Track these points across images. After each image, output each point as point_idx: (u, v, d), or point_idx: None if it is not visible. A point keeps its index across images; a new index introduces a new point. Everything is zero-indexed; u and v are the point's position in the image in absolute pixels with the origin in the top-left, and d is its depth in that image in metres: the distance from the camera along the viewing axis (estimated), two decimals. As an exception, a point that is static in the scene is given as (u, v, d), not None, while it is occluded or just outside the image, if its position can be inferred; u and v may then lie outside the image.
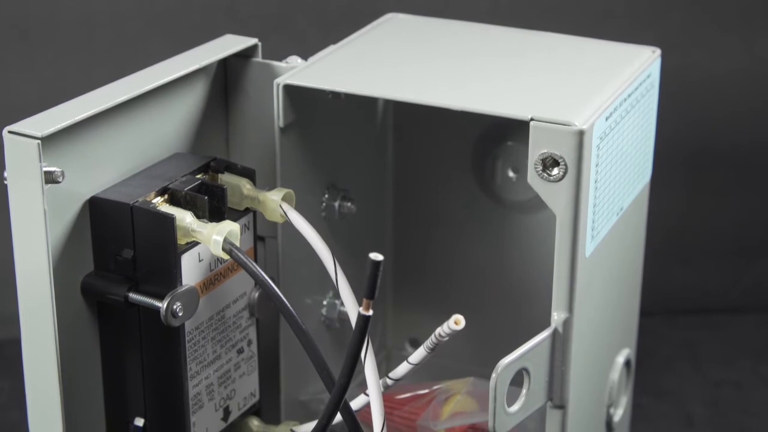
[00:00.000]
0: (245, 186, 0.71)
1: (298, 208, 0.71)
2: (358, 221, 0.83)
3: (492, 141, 0.85)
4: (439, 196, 0.87)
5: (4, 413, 0.90)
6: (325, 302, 0.83)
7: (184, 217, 0.66)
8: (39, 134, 0.61)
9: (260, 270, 0.66)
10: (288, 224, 0.72)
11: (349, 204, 0.81)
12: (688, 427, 0.90)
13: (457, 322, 0.62)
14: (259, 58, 0.76)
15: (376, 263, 0.58)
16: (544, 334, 0.70)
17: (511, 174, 0.85)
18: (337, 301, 0.82)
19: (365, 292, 0.59)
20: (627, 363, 0.83)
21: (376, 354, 0.70)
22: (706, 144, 1.04)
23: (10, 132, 0.62)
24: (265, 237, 0.78)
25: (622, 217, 0.76)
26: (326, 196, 0.81)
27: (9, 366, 0.94)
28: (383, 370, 0.69)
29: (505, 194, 0.86)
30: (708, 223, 1.06)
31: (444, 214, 0.88)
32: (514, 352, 0.67)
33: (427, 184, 0.87)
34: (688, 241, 1.06)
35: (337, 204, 0.81)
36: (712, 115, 1.04)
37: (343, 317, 0.82)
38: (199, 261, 0.68)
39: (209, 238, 0.66)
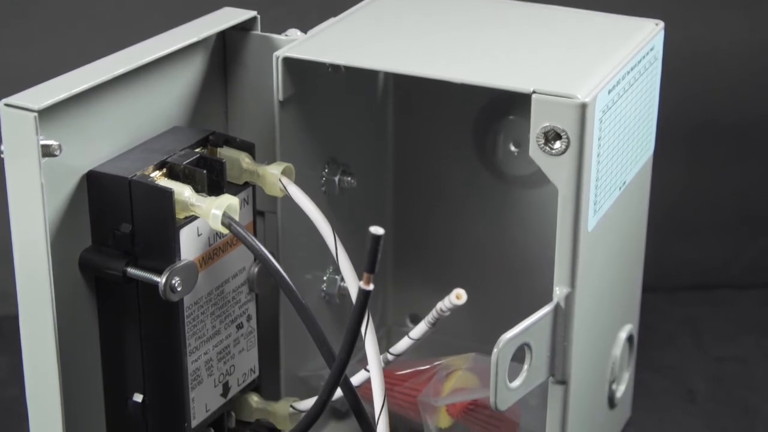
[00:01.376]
0: (244, 160, 0.70)
1: (298, 183, 0.71)
2: (358, 196, 0.83)
3: (493, 115, 0.84)
4: (440, 170, 0.87)
5: (3, 389, 0.90)
6: (325, 278, 0.82)
7: (183, 191, 0.65)
8: (36, 107, 0.61)
9: (259, 244, 0.65)
10: (287, 199, 0.72)
11: (349, 178, 0.80)
12: (691, 402, 0.89)
13: (458, 296, 0.62)
14: (258, 31, 0.76)
15: (377, 237, 0.58)
16: (546, 309, 0.69)
17: (512, 148, 0.84)
18: (337, 277, 0.82)
19: (366, 266, 0.59)
20: (629, 338, 0.82)
21: (377, 330, 0.70)
22: (709, 118, 1.03)
23: (6, 105, 0.62)
24: (265, 212, 0.77)
25: (624, 192, 0.75)
26: (326, 170, 0.80)
27: (7, 342, 0.93)
28: (383, 346, 0.69)
29: (506, 169, 0.85)
30: (710, 198, 1.05)
31: (445, 189, 0.87)
32: (515, 327, 0.67)
33: (428, 158, 0.87)
34: (691, 217, 1.05)
35: (337, 178, 0.80)
36: (714, 89, 1.03)
37: (343, 293, 0.82)
38: (198, 235, 0.68)
39: (208, 212, 0.65)
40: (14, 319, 0.67)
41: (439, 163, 0.87)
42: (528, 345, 0.68)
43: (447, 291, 0.65)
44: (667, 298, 1.02)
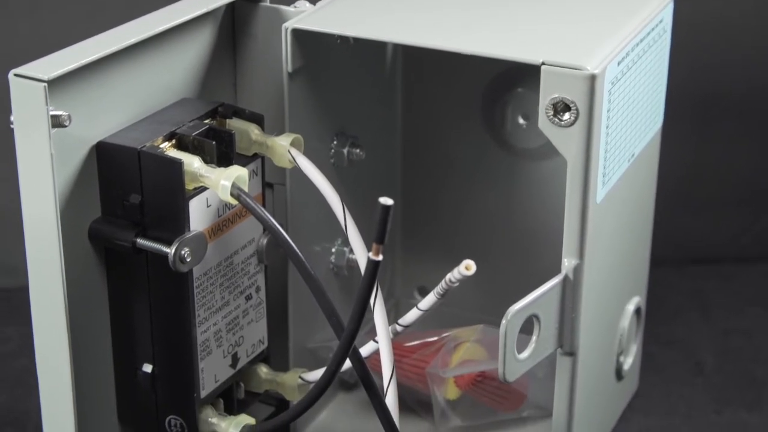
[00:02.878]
0: (253, 131, 0.70)
1: (307, 155, 0.71)
2: (367, 168, 0.83)
3: (502, 87, 0.84)
4: (449, 143, 0.87)
5: (13, 360, 0.90)
6: (333, 249, 0.82)
7: (192, 162, 0.66)
8: (45, 77, 0.61)
9: (268, 215, 0.65)
10: (296, 171, 0.72)
11: (357, 150, 0.80)
12: (698, 375, 0.89)
13: (467, 267, 0.62)
14: (267, 2, 0.75)
15: (386, 207, 0.58)
16: (555, 281, 0.69)
17: (521, 121, 0.84)
18: (345, 249, 0.82)
19: (375, 236, 0.59)
20: (637, 311, 0.82)
21: (385, 303, 0.70)
22: (717, 92, 1.03)
23: (16, 75, 0.62)
24: (274, 184, 0.77)
25: (633, 164, 0.75)
26: (335, 142, 0.80)
27: (17, 314, 0.94)
28: (392, 318, 0.69)
29: (515, 141, 0.85)
30: (718, 171, 1.05)
31: (453, 162, 0.87)
32: (524, 299, 0.67)
33: (437, 131, 0.87)
34: (699, 190, 1.05)
35: (345, 150, 0.80)
36: (723, 62, 1.03)
37: (352, 265, 0.82)
38: (207, 207, 0.68)
39: (217, 183, 0.65)
40: (24, 290, 0.67)
41: (447, 135, 0.87)
42: (536, 316, 0.68)
43: (455, 264, 0.65)
44: (674, 271, 1.02)
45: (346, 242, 0.82)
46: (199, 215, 0.67)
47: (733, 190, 1.05)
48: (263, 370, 0.75)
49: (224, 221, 0.70)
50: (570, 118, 0.67)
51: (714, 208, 1.05)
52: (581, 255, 0.69)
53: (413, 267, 0.91)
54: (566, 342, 0.71)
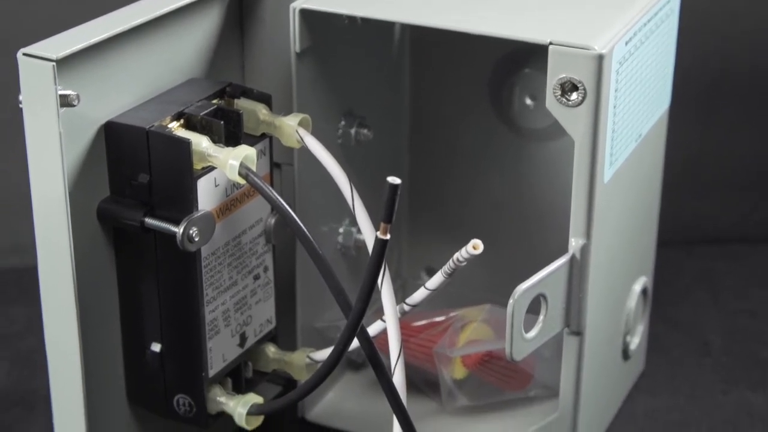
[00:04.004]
0: (261, 111, 0.71)
1: (314, 136, 0.71)
2: (374, 149, 0.83)
3: (509, 68, 0.84)
4: (456, 123, 0.87)
5: (22, 340, 0.91)
6: (341, 230, 0.82)
7: (200, 142, 0.66)
8: (54, 56, 0.61)
9: (276, 194, 0.65)
10: (304, 151, 0.72)
11: (365, 131, 0.81)
12: (705, 356, 0.90)
13: (475, 246, 0.62)
14: (274, -17, 0.76)
15: (394, 186, 0.58)
16: (562, 260, 0.69)
17: (528, 101, 0.84)
18: (352, 229, 0.82)
19: (383, 215, 0.59)
20: (644, 291, 0.82)
21: (392, 283, 0.70)
22: (724, 74, 1.03)
23: (24, 54, 0.62)
24: (281, 164, 0.77)
25: (640, 144, 0.75)
26: (342, 122, 0.80)
27: (26, 294, 0.94)
28: (399, 299, 0.69)
29: (522, 122, 0.85)
30: (726, 152, 1.05)
31: (460, 142, 0.87)
32: (531, 278, 0.67)
33: (444, 111, 0.87)
34: (706, 171, 1.05)
35: (353, 131, 0.80)
36: (729, 44, 1.03)
37: (360, 245, 0.82)
38: (215, 186, 0.68)
39: (225, 163, 0.65)
40: (33, 270, 0.67)
41: (454, 116, 0.87)
42: (543, 296, 0.69)
43: (462, 244, 0.65)
44: (682, 252, 1.02)
45: (353, 223, 0.82)
46: (207, 195, 0.67)
47: (741, 171, 1.05)
48: (271, 349, 0.76)
49: (232, 201, 0.70)
50: (577, 98, 0.67)
51: (721, 190, 1.05)
52: (588, 235, 0.70)
53: (420, 248, 0.91)
54: (573, 321, 0.71)
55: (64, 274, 0.65)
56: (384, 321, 0.69)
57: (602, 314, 0.75)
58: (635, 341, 0.82)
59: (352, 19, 0.77)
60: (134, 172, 0.67)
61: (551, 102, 0.67)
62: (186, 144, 0.65)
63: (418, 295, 0.68)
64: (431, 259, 0.91)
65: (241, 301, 0.73)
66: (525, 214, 0.87)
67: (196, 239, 0.66)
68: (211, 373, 0.71)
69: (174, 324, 0.70)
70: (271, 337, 0.76)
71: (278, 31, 0.75)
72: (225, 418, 0.72)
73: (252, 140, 0.70)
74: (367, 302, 0.63)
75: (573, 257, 0.70)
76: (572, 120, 0.67)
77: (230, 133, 0.68)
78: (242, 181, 0.66)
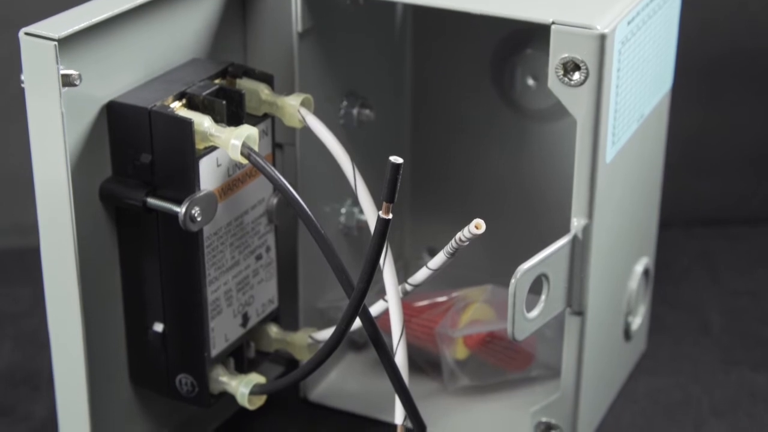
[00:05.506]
0: (263, 91, 0.71)
1: (316, 116, 0.71)
2: (376, 130, 0.83)
3: (511, 48, 0.84)
4: (458, 104, 0.87)
5: (25, 321, 0.91)
6: (343, 210, 0.82)
7: (202, 122, 0.66)
8: (56, 36, 0.61)
9: (279, 174, 0.65)
10: (306, 132, 0.72)
11: (367, 111, 0.80)
12: (705, 336, 0.90)
13: (477, 226, 0.62)
14: (276, -38, 0.75)
15: (396, 166, 0.58)
16: (564, 240, 0.69)
17: (530, 82, 0.84)
18: (355, 209, 0.82)
19: (385, 195, 0.59)
20: (645, 272, 0.83)
21: (394, 264, 0.70)
22: (726, 53, 1.03)
23: (26, 34, 0.62)
24: (283, 144, 0.77)
25: (642, 125, 0.75)
26: (344, 103, 0.80)
27: (29, 274, 0.94)
28: (401, 279, 0.69)
29: (524, 102, 0.85)
30: (727, 133, 1.05)
31: (462, 123, 0.87)
32: (533, 258, 0.67)
33: (446, 92, 0.87)
34: (707, 152, 1.05)
35: (355, 111, 0.80)
36: (731, 25, 1.02)
37: (361, 225, 0.82)
38: (217, 166, 0.68)
39: (227, 142, 0.65)
40: (35, 250, 0.67)
41: (456, 97, 0.87)
42: (545, 276, 0.69)
43: (464, 225, 0.65)
44: (682, 232, 1.02)
45: (355, 203, 0.82)
46: (209, 175, 0.68)
47: (742, 151, 1.05)
48: (273, 329, 0.76)
49: (234, 181, 0.70)
50: (580, 78, 0.67)
51: (722, 170, 1.05)
52: (590, 215, 0.70)
53: (422, 228, 0.91)
54: (575, 301, 0.71)
55: (67, 255, 0.66)
56: (386, 301, 0.69)
57: (604, 294, 0.75)
58: (637, 321, 0.82)
59: (354, 0, 0.77)
60: (136, 152, 0.67)
61: (553, 82, 0.67)
62: (188, 124, 0.65)
63: (421, 274, 0.68)
64: (433, 240, 0.91)
65: (243, 281, 0.73)
66: (527, 194, 0.87)
67: (199, 219, 0.66)
68: (214, 352, 0.71)
69: (176, 304, 0.70)
70: (274, 317, 0.76)
71: (280, 12, 0.75)
72: (227, 397, 0.73)
73: (254, 120, 0.70)
74: (370, 282, 0.63)
75: (575, 237, 0.70)
76: (574, 100, 0.67)
77: (232, 113, 0.68)
78: (244, 161, 0.66)
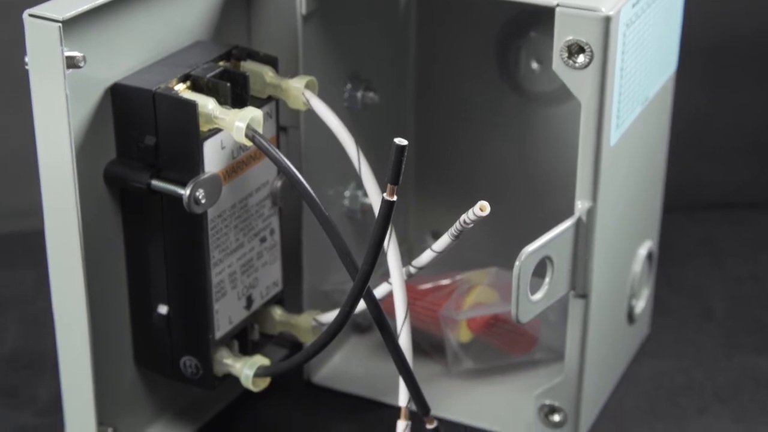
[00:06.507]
0: (267, 73, 0.70)
1: (321, 99, 0.71)
2: (380, 113, 0.83)
3: (515, 32, 0.84)
4: (462, 87, 0.87)
5: (30, 303, 0.91)
6: (347, 194, 0.82)
7: (207, 104, 0.66)
8: (60, 17, 0.61)
9: (283, 156, 0.65)
10: (310, 114, 0.72)
11: (371, 94, 0.80)
12: (708, 320, 0.90)
13: (482, 208, 0.62)
14: (281, -56, 0.75)
15: (401, 148, 0.58)
16: (568, 223, 0.69)
17: (534, 65, 0.84)
18: (359, 193, 0.82)
19: (389, 177, 0.59)
20: (649, 255, 0.83)
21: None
22: (730, 37, 1.03)
23: (30, 15, 0.62)
24: (288, 127, 0.77)
25: (646, 108, 0.75)
26: (349, 86, 0.80)
27: (32, 257, 0.94)
28: (405, 263, 0.69)
29: (528, 86, 0.85)
30: (731, 117, 1.05)
31: (466, 106, 0.87)
32: (537, 240, 0.67)
33: (450, 75, 0.87)
34: (711, 136, 1.05)
35: (359, 94, 0.80)
36: (735, 8, 1.02)
37: (365, 209, 0.82)
38: (222, 148, 0.68)
39: (232, 125, 0.65)
40: (39, 233, 0.67)
41: (460, 80, 0.87)
42: (549, 258, 0.69)
43: (468, 208, 0.65)
44: (686, 217, 1.02)
45: (359, 186, 0.82)
46: (213, 157, 0.68)
47: (746, 136, 1.05)
48: (277, 312, 0.76)
49: (239, 163, 0.70)
50: (584, 60, 0.67)
51: (726, 154, 1.05)
52: (594, 197, 0.70)
53: (426, 212, 0.91)
54: (579, 284, 0.71)
55: (71, 237, 0.66)
56: (390, 283, 0.69)
57: (608, 277, 0.75)
58: (640, 305, 0.82)
59: (358, -18, 0.77)
60: (141, 134, 0.67)
61: (558, 64, 0.67)
62: (192, 106, 0.65)
63: (425, 257, 0.68)
64: (437, 224, 0.91)
65: (247, 264, 0.73)
66: (531, 177, 0.87)
67: (203, 201, 0.66)
68: (218, 335, 0.71)
69: (181, 286, 0.70)
70: (278, 300, 0.76)
71: (284, -6, 0.75)
72: (231, 380, 0.73)
73: (258, 103, 0.70)
74: (374, 264, 0.63)
75: (579, 220, 0.70)
76: (579, 82, 0.67)
77: (237, 95, 0.68)
78: (249, 143, 0.66)
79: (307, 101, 0.70)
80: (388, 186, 0.60)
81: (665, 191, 0.85)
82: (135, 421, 0.74)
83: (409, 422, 0.68)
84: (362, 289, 0.64)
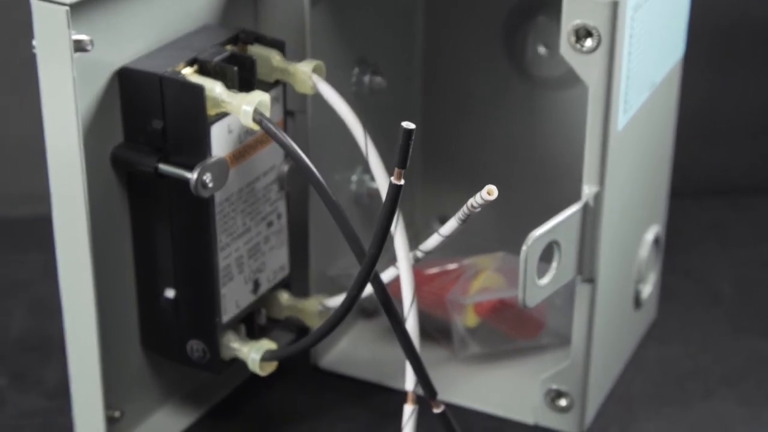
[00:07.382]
0: (275, 57, 0.70)
1: (328, 83, 0.71)
2: (388, 97, 0.83)
3: (522, 16, 0.84)
4: (469, 72, 0.87)
5: (37, 288, 0.91)
6: (354, 178, 0.82)
7: (214, 87, 0.66)
8: (68, 1, 0.61)
9: (290, 140, 0.65)
10: (317, 99, 0.72)
11: (379, 78, 0.80)
12: (716, 305, 0.90)
13: (489, 192, 0.62)
14: (288, -72, 0.75)
15: (409, 131, 0.58)
16: (575, 207, 0.69)
17: (541, 50, 0.84)
18: (366, 177, 0.82)
19: (397, 161, 0.59)
20: (656, 240, 0.83)
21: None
22: (737, 22, 1.02)
23: (38, -1, 0.62)
24: (295, 111, 0.77)
25: (654, 92, 0.75)
26: (356, 70, 0.80)
27: (40, 241, 0.94)
28: (412, 248, 0.69)
29: (535, 70, 0.85)
30: (738, 102, 1.04)
31: (473, 91, 0.87)
32: (544, 225, 0.67)
33: (457, 60, 0.87)
34: (718, 121, 1.05)
35: (367, 78, 0.80)
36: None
37: (372, 193, 0.82)
38: (229, 132, 0.68)
39: (239, 108, 0.65)
40: (46, 218, 0.67)
41: (468, 64, 0.87)
42: (556, 243, 0.69)
43: (475, 193, 0.65)
44: (693, 202, 1.02)
45: (366, 171, 0.82)
46: (220, 141, 0.68)
47: (754, 121, 1.05)
48: (284, 296, 0.76)
49: (246, 147, 0.70)
50: (592, 45, 0.67)
51: (733, 139, 1.05)
52: (601, 182, 0.70)
53: (433, 197, 0.91)
54: (586, 269, 0.71)
55: (79, 221, 0.66)
56: (397, 267, 0.69)
57: (614, 262, 0.75)
58: (647, 290, 0.82)
59: (365, -34, 0.77)
60: (148, 118, 0.67)
61: (565, 49, 0.67)
62: (199, 90, 0.65)
63: (432, 241, 0.68)
64: (444, 209, 0.91)
65: (254, 248, 0.73)
66: (538, 162, 0.86)
67: (210, 185, 0.66)
68: (225, 319, 0.71)
69: (188, 270, 0.70)
70: (285, 284, 0.76)
71: (291, -22, 0.75)
72: (238, 364, 0.73)
73: (265, 87, 0.70)
74: (381, 248, 0.63)
75: (586, 204, 0.70)
76: (586, 67, 0.67)
77: (244, 79, 0.68)
78: (256, 127, 0.66)
79: (315, 85, 0.70)
80: (396, 169, 0.59)
81: (672, 176, 0.85)
82: (142, 405, 0.74)
83: (416, 406, 0.68)
84: (369, 274, 0.64)
